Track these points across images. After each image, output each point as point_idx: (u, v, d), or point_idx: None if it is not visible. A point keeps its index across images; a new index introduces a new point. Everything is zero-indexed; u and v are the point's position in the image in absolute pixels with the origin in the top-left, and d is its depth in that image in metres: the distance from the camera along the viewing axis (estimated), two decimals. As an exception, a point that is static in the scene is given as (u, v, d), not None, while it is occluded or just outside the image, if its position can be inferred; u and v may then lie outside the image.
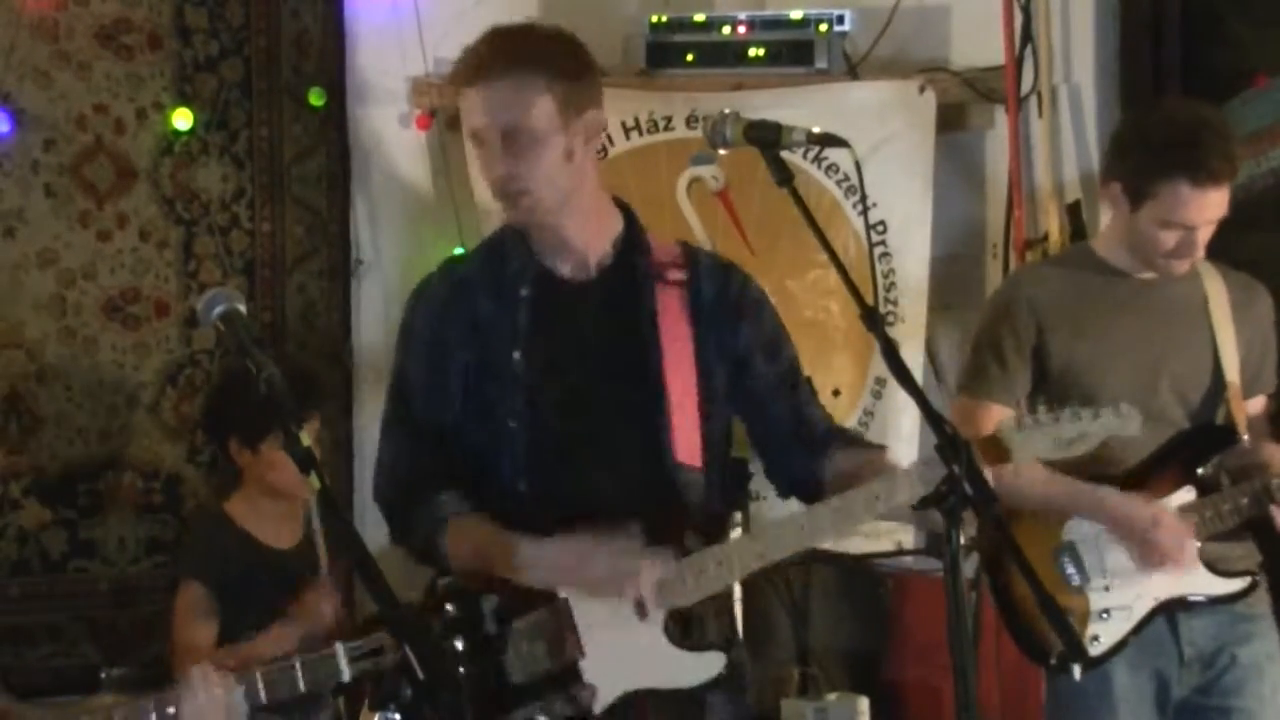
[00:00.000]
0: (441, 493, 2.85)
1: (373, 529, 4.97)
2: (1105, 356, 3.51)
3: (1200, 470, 3.51)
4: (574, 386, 2.89)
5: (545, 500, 2.85)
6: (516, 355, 2.88)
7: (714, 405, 2.92)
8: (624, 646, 2.75)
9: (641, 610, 2.71)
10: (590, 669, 2.75)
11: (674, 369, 2.89)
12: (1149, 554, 3.43)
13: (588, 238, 2.93)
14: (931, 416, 2.49)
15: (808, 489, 2.95)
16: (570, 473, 2.86)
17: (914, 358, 4.69)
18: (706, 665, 2.82)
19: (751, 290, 3.01)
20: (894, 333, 4.50)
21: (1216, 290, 3.57)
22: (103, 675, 3.27)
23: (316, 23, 4.92)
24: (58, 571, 4.63)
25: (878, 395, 4.84)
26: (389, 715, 2.04)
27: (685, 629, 2.78)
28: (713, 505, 2.90)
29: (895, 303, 4.80)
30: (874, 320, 2.57)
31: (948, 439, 2.45)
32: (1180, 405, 3.55)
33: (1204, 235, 3.44)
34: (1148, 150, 3.41)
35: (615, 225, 2.97)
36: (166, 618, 4.00)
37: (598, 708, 2.74)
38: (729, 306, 2.97)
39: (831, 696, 4.74)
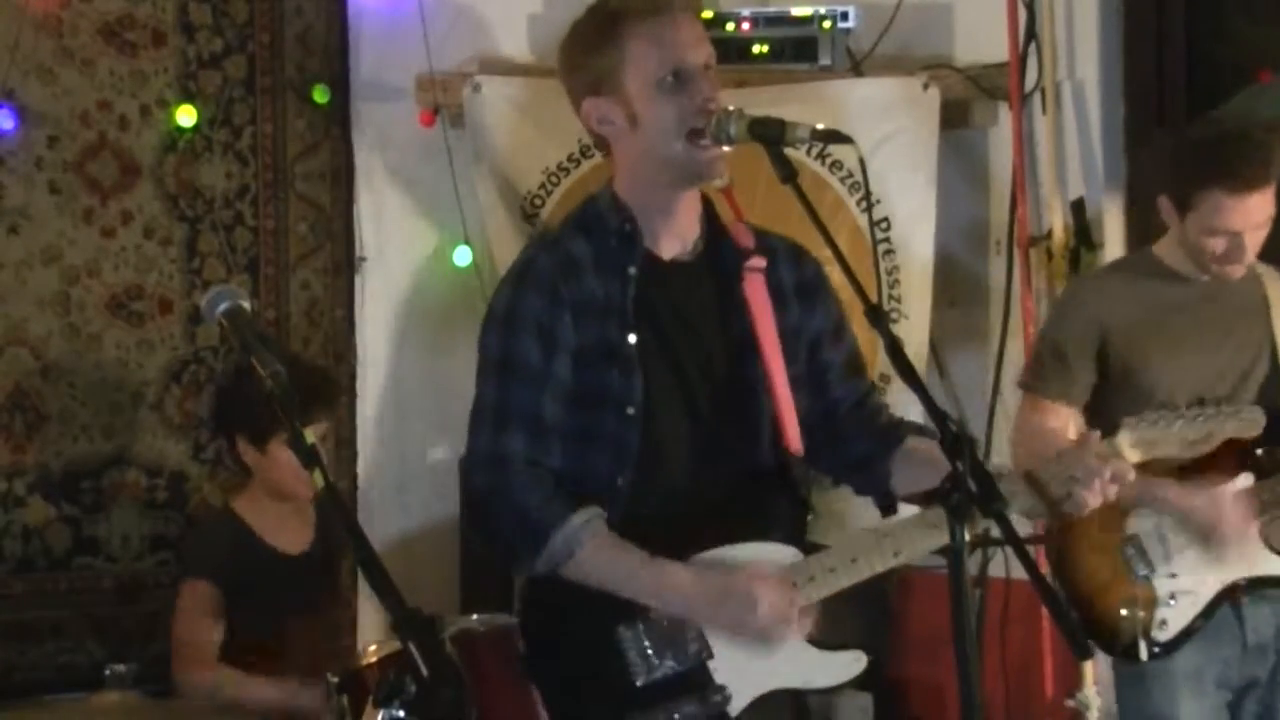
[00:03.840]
0: (578, 502, 2.68)
1: (377, 528, 4.99)
2: (1165, 359, 3.61)
3: (1259, 452, 3.57)
4: (685, 375, 2.79)
5: (646, 496, 2.74)
6: (631, 339, 2.75)
7: (800, 392, 2.87)
8: (760, 646, 2.68)
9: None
10: (724, 670, 2.69)
11: (770, 356, 2.82)
12: (1212, 538, 3.53)
13: (692, 215, 2.85)
14: (935, 413, 2.49)
15: (865, 476, 2.91)
16: (678, 466, 2.77)
17: (918, 354, 4.68)
18: (845, 665, 2.79)
19: (822, 273, 2.97)
20: (897, 329, 4.47)
21: (1277, 292, 3.67)
22: (107, 672, 3.27)
23: (320, 19, 4.92)
24: (62, 568, 4.63)
25: (881, 392, 4.83)
26: (393, 713, 2.04)
27: (824, 627, 2.74)
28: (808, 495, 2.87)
29: (899, 299, 4.79)
30: (878, 317, 2.56)
31: (951, 436, 2.45)
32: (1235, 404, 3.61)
33: (1253, 239, 3.54)
34: (1185, 163, 3.55)
35: (699, 204, 2.89)
36: (170, 615, 4.00)
37: (734, 709, 2.69)
38: (805, 290, 2.93)
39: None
